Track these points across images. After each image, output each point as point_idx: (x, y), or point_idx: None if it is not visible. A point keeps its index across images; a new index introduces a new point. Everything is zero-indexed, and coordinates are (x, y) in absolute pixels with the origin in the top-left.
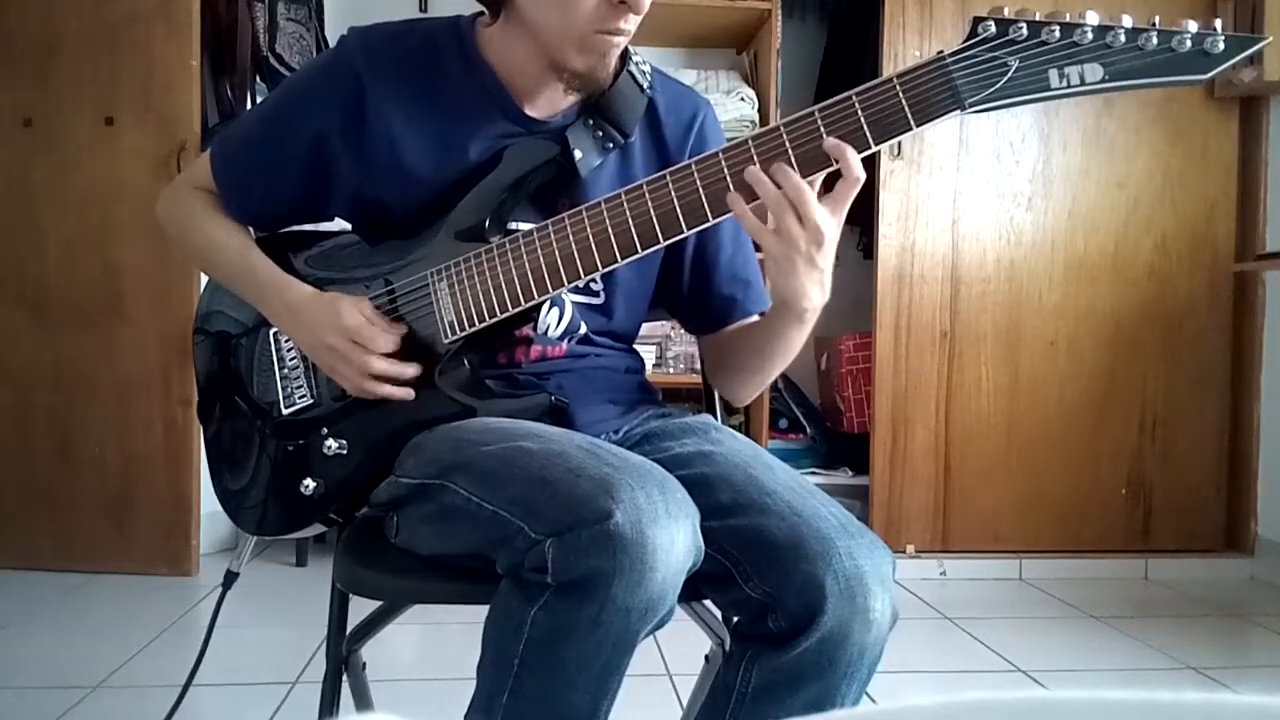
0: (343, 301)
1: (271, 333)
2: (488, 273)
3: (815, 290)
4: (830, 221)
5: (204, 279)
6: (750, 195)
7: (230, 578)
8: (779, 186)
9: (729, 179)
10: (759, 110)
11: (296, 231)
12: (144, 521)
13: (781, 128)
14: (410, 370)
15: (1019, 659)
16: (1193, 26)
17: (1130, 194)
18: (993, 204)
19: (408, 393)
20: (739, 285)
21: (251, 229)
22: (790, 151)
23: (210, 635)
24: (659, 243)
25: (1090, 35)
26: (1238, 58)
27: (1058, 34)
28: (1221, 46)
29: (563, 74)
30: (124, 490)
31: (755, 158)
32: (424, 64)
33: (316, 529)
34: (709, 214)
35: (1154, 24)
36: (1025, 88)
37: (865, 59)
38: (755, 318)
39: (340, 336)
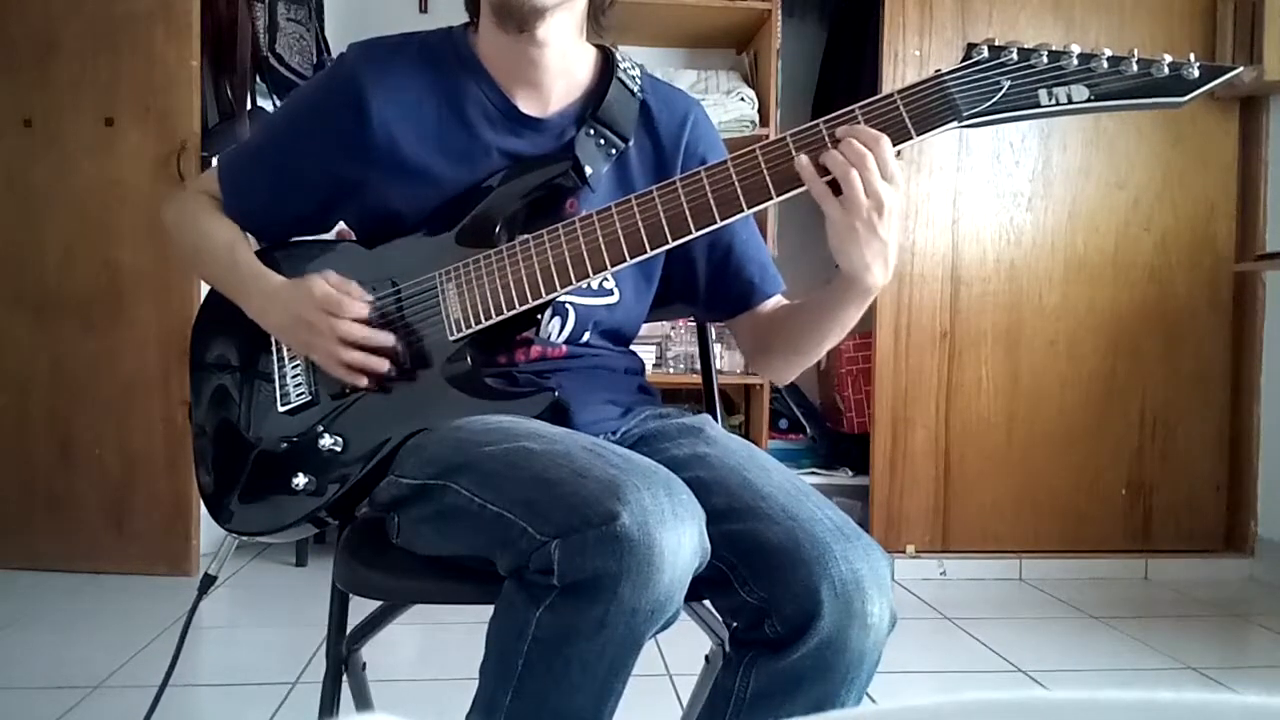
0: (311, 276)
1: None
2: (496, 273)
3: (879, 265)
4: (890, 190)
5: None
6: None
7: (207, 581)
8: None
9: (738, 185)
10: (759, 110)
11: (295, 241)
12: (144, 521)
13: (788, 138)
14: (385, 337)
15: (1019, 659)
16: (1168, 57)
17: (1130, 194)
18: (993, 204)
19: (381, 363)
20: (755, 268)
21: (253, 237)
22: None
23: (184, 639)
24: (667, 244)
25: (1075, 61)
26: (1212, 84)
27: (1045, 59)
28: (1196, 74)
29: (502, 21)
30: (124, 490)
31: (763, 166)
32: (423, 71)
33: (307, 529)
34: (716, 217)
35: (1133, 54)
36: (1018, 104)
37: (865, 59)
38: (785, 300)
39: (312, 308)
